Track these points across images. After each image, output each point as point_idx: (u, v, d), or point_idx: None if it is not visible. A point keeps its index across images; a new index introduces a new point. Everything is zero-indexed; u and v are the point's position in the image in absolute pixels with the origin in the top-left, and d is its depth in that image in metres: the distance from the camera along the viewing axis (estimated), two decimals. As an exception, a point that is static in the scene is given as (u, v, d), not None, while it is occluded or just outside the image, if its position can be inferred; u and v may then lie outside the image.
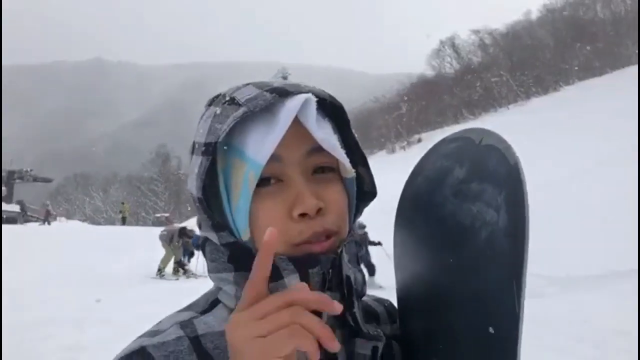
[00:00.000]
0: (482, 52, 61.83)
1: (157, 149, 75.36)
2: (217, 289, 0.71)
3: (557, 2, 61.82)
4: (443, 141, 0.77)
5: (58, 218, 37.96)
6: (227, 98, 0.66)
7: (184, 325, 0.66)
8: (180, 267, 13.56)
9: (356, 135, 0.72)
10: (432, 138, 46.20)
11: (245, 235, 0.65)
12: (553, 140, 23.42)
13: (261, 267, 0.54)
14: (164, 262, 13.17)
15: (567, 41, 49.76)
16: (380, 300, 0.84)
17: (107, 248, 16.52)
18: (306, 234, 0.63)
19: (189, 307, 0.71)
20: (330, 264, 0.64)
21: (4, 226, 27.39)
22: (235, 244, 0.65)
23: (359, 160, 0.72)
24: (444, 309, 0.66)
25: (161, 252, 13.40)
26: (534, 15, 64.34)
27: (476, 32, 62.52)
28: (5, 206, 37.42)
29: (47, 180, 56.68)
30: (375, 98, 68.58)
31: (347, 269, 0.65)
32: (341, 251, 0.65)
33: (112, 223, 49.14)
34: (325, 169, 0.67)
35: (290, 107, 0.62)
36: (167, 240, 13.47)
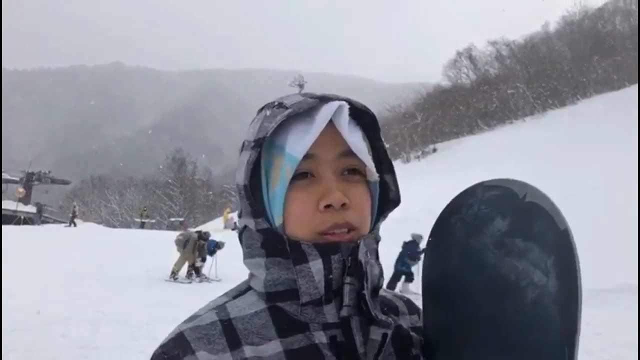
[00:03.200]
0: (499, 64, 61.52)
1: (173, 153, 75.89)
2: (250, 275, 0.79)
3: (576, 15, 61.54)
4: (480, 185, 0.77)
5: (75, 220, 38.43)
6: (276, 103, 0.77)
7: (218, 309, 0.74)
8: (195, 271, 13.70)
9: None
10: (447, 148, 46.10)
11: (278, 220, 0.73)
12: (569, 154, 23.28)
13: None
14: (178, 265, 13.32)
15: (585, 54, 49.33)
16: (399, 296, 0.90)
17: (122, 250, 16.73)
18: (328, 223, 0.71)
19: (225, 294, 0.79)
20: (350, 252, 0.71)
21: (22, 227, 27.85)
22: (268, 230, 0.74)
23: (386, 168, 0.82)
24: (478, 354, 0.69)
25: (175, 255, 13.55)
26: (552, 27, 64.12)
27: (493, 43, 62.27)
28: (23, 207, 38.00)
29: (65, 183, 57.49)
30: (391, 107, 68.54)
31: (362, 256, 0.72)
32: (359, 242, 0.72)
33: (128, 226, 49.54)
34: (353, 171, 0.76)
35: (326, 111, 0.72)
36: (182, 244, 13.64)
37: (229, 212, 42.97)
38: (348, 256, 0.71)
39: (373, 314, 0.72)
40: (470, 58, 64.94)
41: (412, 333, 0.80)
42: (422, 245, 11.72)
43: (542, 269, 0.63)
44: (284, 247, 0.72)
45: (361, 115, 0.79)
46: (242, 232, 0.79)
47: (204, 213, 66.57)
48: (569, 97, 45.82)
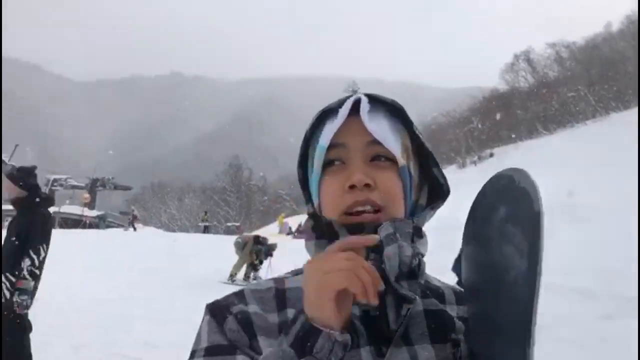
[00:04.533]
0: (559, 66, 59.65)
1: (230, 160, 77.51)
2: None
3: (641, 13, 58.86)
4: (497, 176, 0.81)
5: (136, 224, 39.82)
6: (322, 109, 0.89)
7: (277, 281, 0.86)
8: (253, 270, 13.94)
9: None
10: (504, 153, 44.94)
11: (315, 202, 0.87)
12: (633, 158, 22.30)
13: (352, 244, 0.70)
14: (236, 268, 13.60)
15: (652, 54, 47.11)
16: (451, 286, 0.93)
17: (181, 253, 17.22)
18: (350, 201, 0.80)
19: (289, 272, 0.90)
20: (374, 231, 0.77)
21: (88, 230, 29.16)
22: (314, 215, 0.86)
23: (432, 162, 0.89)
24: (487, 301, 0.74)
25: (233, 258, 13.85)
26: (615, 27, 61.54)
27: (552, 45, 60.50)
28: (88, 212, 39.76)
29: (127, 188, 59.67)
30: (446, 112, 67.52)
31: (384, 234, 0.77)
32: (384, 223, 0.78)
33: (186, 230, 50.86)
34: (382, 158, 0.83)
35: (347, 104, 0.83)
36: (241, 247, 13.93)
37: (283, 217, 43.44)
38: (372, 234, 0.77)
39: (394, 287, 0.76)
40: (528, 61, 63.22)
41: (456, 320, 0.82)
42: None
43: (520, 251, 0.67)
44: (329, 230, 0.81)
45: (392, 109, 0.87)
46: (305, 221, 0.89)
47: (260, 218, 67.58)
48: (633, 100, 43.86)
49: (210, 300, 0.82)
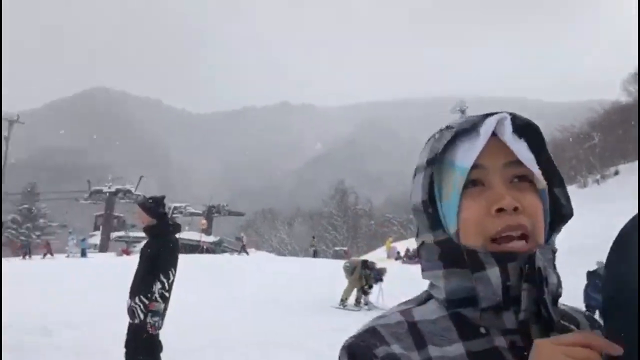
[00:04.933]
0: (690, 73, 54.40)
1: (336, 184, 78.41)
2: (430, 285, 0.84)
3: None
4: None
5: (249, 249, 41.32)
6: (444, 126, 0.83)
7: (404, 313, 0.80)
8: (363, 294, 13.84)
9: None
10: (631, 170, 41.58)
11: (452, 228, 0.78)
12: None
13: (593, 344, 0.66)
14: (347, 292, 13.57)
15: None
16: (579, 310, 0.89)
17: (291, 277, 17.48)
18: (500, 226, 0.75)
19: (407, 302, 0.85)
20: (527, 260, 0.73)
21: (205, 256, 30.68)
22: (446, 242, 0.79)
23: (556, 181, 0.84)
24: None
25: (342, 283, 13.84)
26: None
27: (682, 51, 55.40)
28: (206, 238, 41.82)
29: (240, 214, 62.05)
30: (562, 127, 63.82)
31: (540, 263, 0.74)
32: (536, 251, 0.74)
33: (296, 255, 51.83)
34: (521, 178, 0.79)
35: (488, 123, 0.78)
36: (350, 271, 13.91)
37: (391, 242, 43.01)
38: (525, 264, 0.73)
39: (555, 319, 0.74)
40: (654, 69, 58.26)
41: None
42: None
43: None
44: (461, 257, 0.76)
45: (526, 131, 0.83)
46: (420, 248, 0.84)
47: (367, 242, 67.41)
48: None
49: (348, 341, 0.76)
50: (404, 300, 0.86)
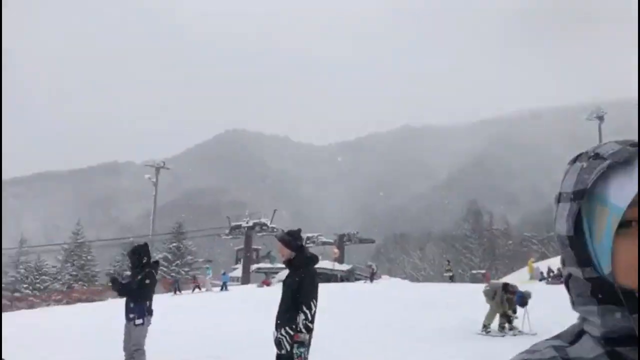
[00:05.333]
0: None
1: (468, 205, 76.05)
2: (582, 320, 0.81)
3: None
4: None
5: (382, 276, 41.24)
6: (592, 154, 0.78)
7: (557, 349, 0.77)
8: (507, 321, 13.21)
9: None
10: None
11: (607, 269, 0.74)
12: None
13: None
14: (489, 318, 13.01)
15: None
16: None
17: (429, 303, 17.17)
18: None
19: (557, 336, 0.82)
20: None
21: (338, 284, 31.20)
22: (597, 279, 0.76)
23: None
24: None
25: (482, 308, 13.32)
26: None
27: None
28: (339, 266, 42.49)
29: (370, 241, 62.26)
30: None
31: None
32: None
33: (430, 280, 50.71)
34: None
35: None
36: (491, 295, 13.35)
37: (533, 262, 40.54)
38: None
39: None
40: None
41: None
42: None
43: None
44: (616, 295, 0.73)
45: None
46: (568, 280, 0.81)
47: (505, 264, 64.17)
48: None
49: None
50: (550, 323, 0.88)
